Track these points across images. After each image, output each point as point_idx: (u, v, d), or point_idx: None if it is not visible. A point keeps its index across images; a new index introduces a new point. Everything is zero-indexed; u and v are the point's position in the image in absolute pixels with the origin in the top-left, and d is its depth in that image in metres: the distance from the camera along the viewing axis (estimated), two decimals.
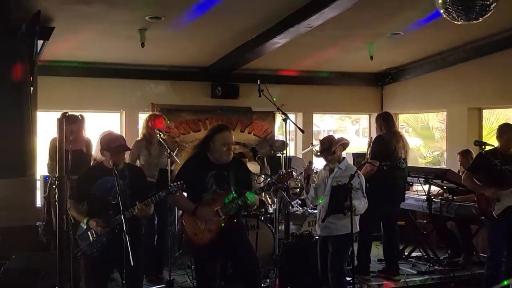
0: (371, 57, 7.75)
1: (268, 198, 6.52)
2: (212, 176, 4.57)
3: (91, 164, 6.12)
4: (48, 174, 6.37)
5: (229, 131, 4.73)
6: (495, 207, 5.53)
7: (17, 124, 3.28)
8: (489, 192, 5.56)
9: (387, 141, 6.41)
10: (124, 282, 4.13)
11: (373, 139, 6.76)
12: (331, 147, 5.17)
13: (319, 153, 5.28)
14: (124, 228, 3.80)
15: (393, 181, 6.39)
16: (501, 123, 5.94)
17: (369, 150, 7.25)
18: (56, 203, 3.11)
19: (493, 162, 5.50)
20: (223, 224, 4.49)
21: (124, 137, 5.32)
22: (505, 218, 5.55)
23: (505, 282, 4.41)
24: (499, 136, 5.72)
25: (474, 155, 6.92)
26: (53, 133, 6.24)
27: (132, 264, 3.69)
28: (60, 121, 3.02)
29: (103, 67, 8.09)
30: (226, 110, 8.86)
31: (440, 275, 6.63)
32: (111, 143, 4.43)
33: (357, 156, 8.92)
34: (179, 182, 4.25)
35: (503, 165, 5.49)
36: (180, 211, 7.22)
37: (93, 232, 4.31)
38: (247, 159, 7.28)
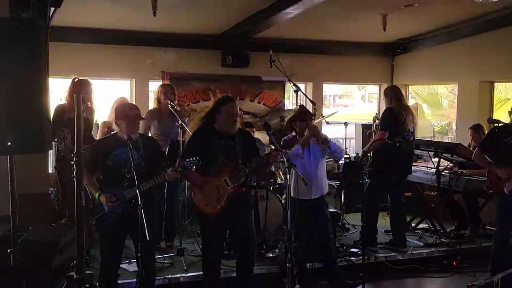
0: (384, 28, 7.66)
1: (281, 173, 6.55)
2: (220, 147, 4.67)
3: (105, 132, 6.14)
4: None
5: (234, 103, 4.83)
6: (507, 184, 5.56)
7: (36, 98, 3.29)
8: (501, 172, 5.58)
9: (397, 113, 6.43)
10: (138, 249, 4.20)
11: (381, 112, 6.78)
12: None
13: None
14: (140, 203, 3.84)
15: (400, 153, 6.42)
16: None
17: (374, 124, 7.26)
18: (74, 179, 3.14)
19: (507, 138, 5.52)
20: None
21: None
22: None
23: None
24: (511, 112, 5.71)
25: (486, 130, 6.92)
26: (60, 99, 6.26)
27: (148, 239, 3.75)
28: (78, 97, 3.02)
29: (114, 34, 7.99)
30: (236, 79, 8.82)
31: (446, 248, 6.72)
32: (128, 111, 4.47)
33: (366, 127, 8.90)
34: (194, 158, 4.29)
35: None
36: None
37: None
38: (254, 129, 7.30)
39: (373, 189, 6.44)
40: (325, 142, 5.16)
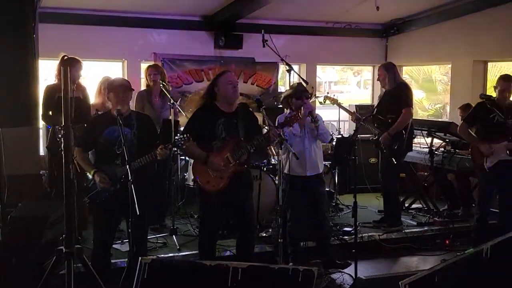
0: (377, 8, 7.61)
1: (273, 149, 6.52)
2: (221, 124, 4.61)
3: (93, 114, 6.07)
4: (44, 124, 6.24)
5: (230, 72, 4.82)
6: (488, 160, 5.62)
7: (23, 73, 3.29)
8: (483, 148, 5.60)
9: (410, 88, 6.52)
10: (129, 231, 4.20)
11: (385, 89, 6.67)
12: None
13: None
14: (130, 179, 3.81)
15: (410, 131, 6.44)
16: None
17: (376, 103, 7.14)
18: (62, 152, 3.10)
19: (492, 114, 5.53)
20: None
21: None
22: (497, 171, 5.64)
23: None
24: (495, 87, 5.76)
25: None
26: (51, 81, 6.16)
27: (137, 213, 3.73)
28: (64, 66, 2.99)
29: (105, 14, 7.93)
30: (229, 60, 8.76)
31: (439, 227, 6.73)
32: (114, 82, 4.50)
33: (360, 108, 8.84)
34: (185, 136, 4.25)
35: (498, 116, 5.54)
36: (183, 162, 7.32)
37: None
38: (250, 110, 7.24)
39: (396, 168, 6.41)
40: (315, 121, 5.14)
